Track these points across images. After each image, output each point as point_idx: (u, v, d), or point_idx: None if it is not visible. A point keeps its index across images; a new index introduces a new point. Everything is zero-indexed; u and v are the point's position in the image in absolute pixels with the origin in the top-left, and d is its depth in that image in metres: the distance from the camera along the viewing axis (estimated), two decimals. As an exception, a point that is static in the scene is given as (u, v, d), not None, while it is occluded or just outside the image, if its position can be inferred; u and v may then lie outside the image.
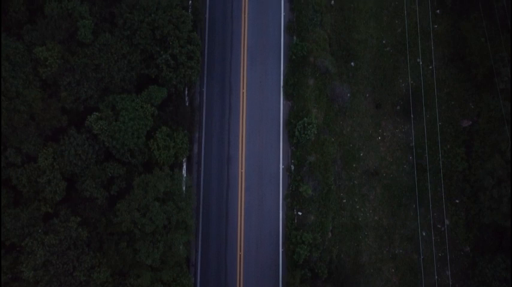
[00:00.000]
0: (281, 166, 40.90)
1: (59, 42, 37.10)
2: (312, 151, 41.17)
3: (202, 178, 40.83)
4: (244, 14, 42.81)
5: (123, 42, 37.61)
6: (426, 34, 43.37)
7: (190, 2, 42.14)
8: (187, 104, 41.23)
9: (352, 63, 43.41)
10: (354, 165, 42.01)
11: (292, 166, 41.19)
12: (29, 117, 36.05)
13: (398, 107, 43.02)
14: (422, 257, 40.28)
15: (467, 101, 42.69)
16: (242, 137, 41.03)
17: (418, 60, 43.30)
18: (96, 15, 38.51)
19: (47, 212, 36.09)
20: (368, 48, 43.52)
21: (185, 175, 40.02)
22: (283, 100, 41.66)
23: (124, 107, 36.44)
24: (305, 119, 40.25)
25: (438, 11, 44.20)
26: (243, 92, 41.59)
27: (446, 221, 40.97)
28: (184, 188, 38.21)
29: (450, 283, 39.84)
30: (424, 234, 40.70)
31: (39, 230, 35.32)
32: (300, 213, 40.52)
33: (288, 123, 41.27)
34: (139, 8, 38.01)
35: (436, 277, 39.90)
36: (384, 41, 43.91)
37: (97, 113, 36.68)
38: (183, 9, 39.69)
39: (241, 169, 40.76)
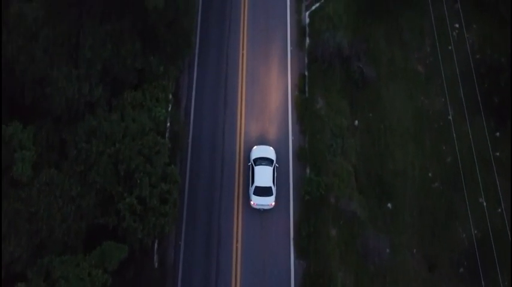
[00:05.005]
0: None
1: (-17, 180, 28.97)
2: (340, 335, 29.25)
3: None
4: (240, 136, 33.94)
5: (73, 180, 29.67)
6: (486, 164, 34.02)
7: (168, 125, 33.76)
8: (156, 265, 31.52)
9: (389, 205, 33.40)
10: None
11: None
12: None
13: (461, 269, 31.47)
14: None
15: (557, 256, 31.32)
16: (235, 313, 29.63)
17: (480, 200, 33.41)
18: (41, 144, 30.89)
19: None
20: (409, 182, 33.85)
21: None
22: (294, 259, 31.04)
23: (63, 274, 27.33)
24: None
25: (498, 133, 35.17)
26: (236, 247, 31.29)
27: None
28: None
29: None
30: None
31: None
32: None
33: (302, 293, 30.12)
34: (100, 134, 30.35)
35: None
36: (430, 174, 34.05)
37: (22, 285, 26.91)
38: (159, 135, 31.72)
39: None
